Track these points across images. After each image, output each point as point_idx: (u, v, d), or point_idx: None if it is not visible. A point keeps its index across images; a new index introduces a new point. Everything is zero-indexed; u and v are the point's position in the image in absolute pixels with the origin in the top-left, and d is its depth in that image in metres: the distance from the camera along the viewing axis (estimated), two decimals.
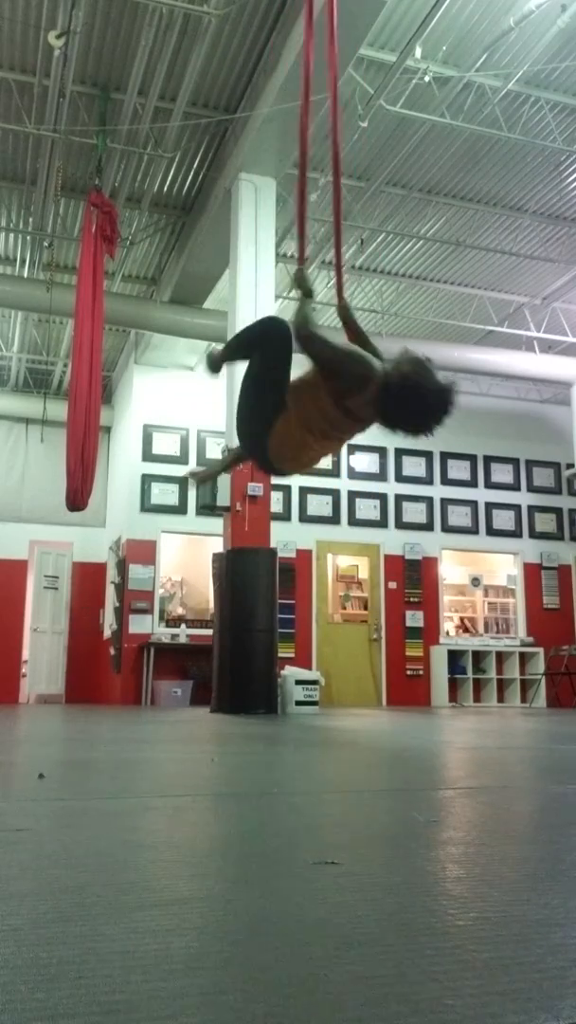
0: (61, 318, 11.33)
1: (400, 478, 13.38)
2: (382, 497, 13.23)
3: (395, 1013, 0.76)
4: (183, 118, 8.35)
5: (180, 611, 12.50)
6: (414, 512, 13.39)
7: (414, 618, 12.95)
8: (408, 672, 12.79)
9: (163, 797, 2.32)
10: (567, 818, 1.98)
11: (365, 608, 13.09)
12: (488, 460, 13.97)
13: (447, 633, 13.35)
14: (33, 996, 0.79)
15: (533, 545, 13.96)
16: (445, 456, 13.72)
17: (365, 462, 13.09)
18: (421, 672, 12.84)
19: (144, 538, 12.14)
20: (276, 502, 10.25)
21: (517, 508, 14.00)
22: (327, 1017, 0.75)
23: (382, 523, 13.09)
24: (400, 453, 13.33)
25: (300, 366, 3.19)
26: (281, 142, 8.22)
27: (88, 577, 14.02)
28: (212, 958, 0.91)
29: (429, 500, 13.52)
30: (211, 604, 9.69)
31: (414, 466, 13.51)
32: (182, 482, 12.16)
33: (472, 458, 13.89)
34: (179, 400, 12.56)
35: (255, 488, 8.32)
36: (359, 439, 3.50)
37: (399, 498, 13.34)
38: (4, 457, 13.92)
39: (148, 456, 12.39)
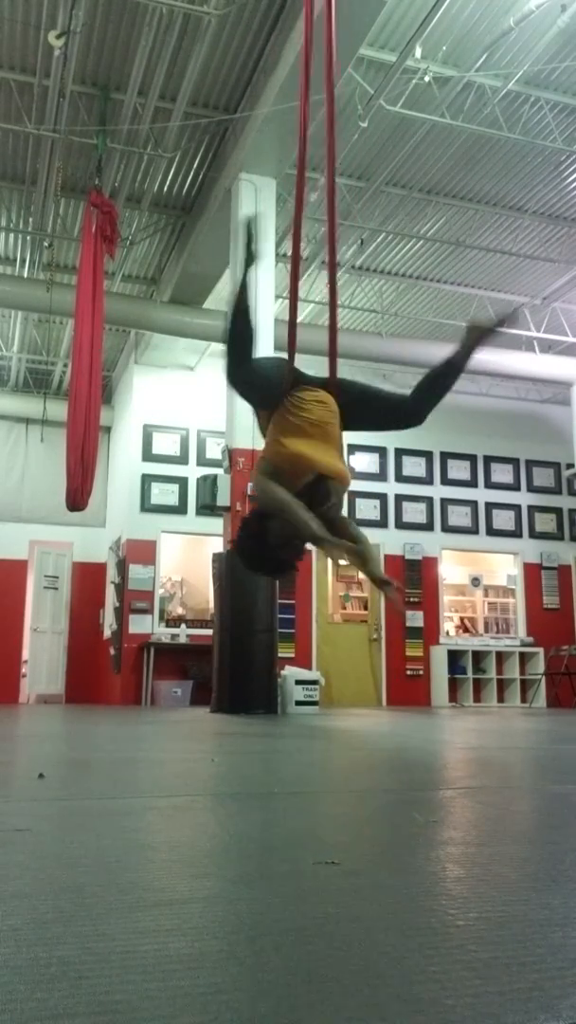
0: (61, 318, 11.32)
1: (400, 478, 13.38)
2: (382, 497, 13.22)
3: (395, 1013, 0.76)
4: (183, 118, 8.35)
5: (180, 611, 12.50)
6: (414, 512, 13.39)
7: (414, 618, 12.94)
8: (408, 672, 12.78)
9: (163, 797, 2.32)
10: (567, 818, 1.98)
11: (365, 608, 13.09)
12: (488, 460, 13.97)
13: (447, 633, 13.35)
14: (33, 996, 0.79)
15: (533, 545, 13.95)
16: (445, 456, 13.72)
17: (365, 462, 13.07)
18: (421, 672, 12.83)
19: (144, 538, 12.14)
20: None
21: (517, 508, 13.99)
22: (327, 1017, 0.75)
23: (382, 523, 13.08)
24: (400, 453, 13.33)
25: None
26: (281, 142, 8.22)
27: (88, 577, 14.02)
28: (212, 958, 0.91)
29: (429, 500, 13.51)
30: (211, 604, 9.69)
31: (414, 466, 13.51)
32: (182, 482, 12.21)
33: (472, 458, 13.88)
34: (179, 400, 12.56)
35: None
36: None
37: (399, 498, 13.34)
38: (4, 457, 13.91)
39: (148, 456, 12.39)
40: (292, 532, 3.07)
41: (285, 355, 3.37)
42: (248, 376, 3.29)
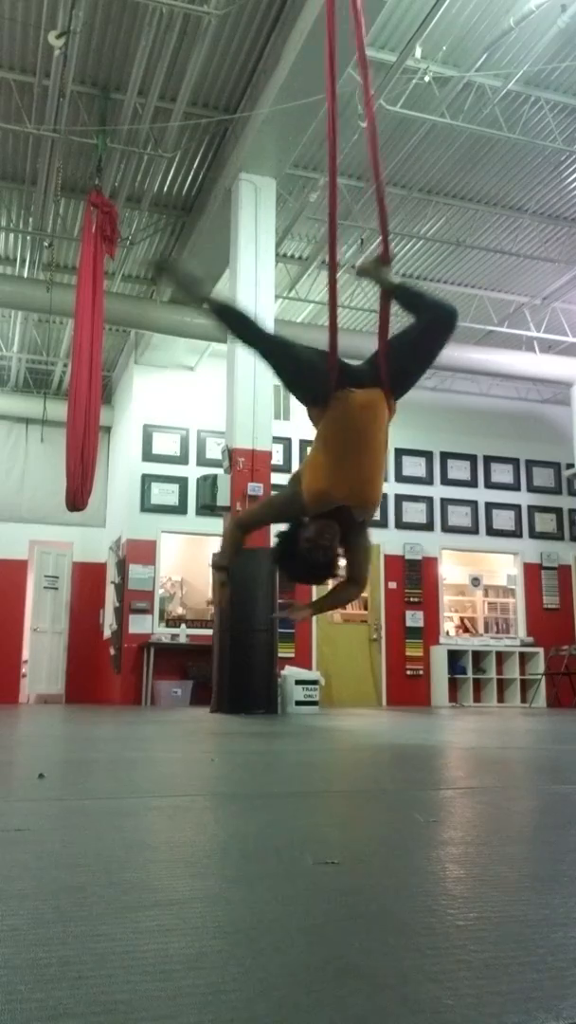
0: (61, 318, 11.32)
1: (400, 478, 13.38)
2: (382, 497, 13.21)
3: (395, 1013, 0.76)
4: (183, 118, 8.35)
5: (180, 611, 12.50)
6: (414, 512, 13.39)
7: (414, 618, 12.95)
8: (408, 672, 12.78)
9: (163, 797, 2.32)
10: (567, 818, 1.98)
11: (365, 608, 13.09)
12: (488, 460, 13.97)
13: (447, 633, 13.35)
14: (33, 996, 0.79)
15: (533, 545, 13.95)
16: (445, 456, 13.72)
17: None
18: (421, 672, 12.84)
19: (144, 538, 12.14)
20: None
21: (517, 508, 13.99)
22: (327, 1017, 0.75)
23: (382, 523, 13.07)
24: (400, 453, 13.33)
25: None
26: (281, 142, 8.22)
27: (88, 577, 14.01)
28: (212, 958, 0.91)
29: (429, 500, 13.52)
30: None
31: (414, 466, 13.50)
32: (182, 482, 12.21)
33: (472, 458, 13.88)
34: (179, 400, 12.56)
35: (255, 488, 8.32)
36: None
37: (399, 498, 13.34)
38: (4, 457, 13.91)
39: (148, 456, 12.39)
40: (314, 538, 3.04)
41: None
42: (282, 345, 3.26)
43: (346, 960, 0.90)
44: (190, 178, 9.69)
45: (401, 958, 0.91)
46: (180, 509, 12.27)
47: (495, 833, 1.80)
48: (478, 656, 13.00)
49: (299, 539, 3.06)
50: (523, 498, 14.07)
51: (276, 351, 3.26)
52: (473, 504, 13.76)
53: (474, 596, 14.08)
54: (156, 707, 10.72)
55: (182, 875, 1.31)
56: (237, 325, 3.31)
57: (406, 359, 3.18)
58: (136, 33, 7.49)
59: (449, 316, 3.19)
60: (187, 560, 12.70)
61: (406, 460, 13.41)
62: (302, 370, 3.20)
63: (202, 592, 12.36)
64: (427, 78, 7.78)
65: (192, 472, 12.01)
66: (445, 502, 13.60)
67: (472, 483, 13.84)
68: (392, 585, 12.93)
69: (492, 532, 13.80)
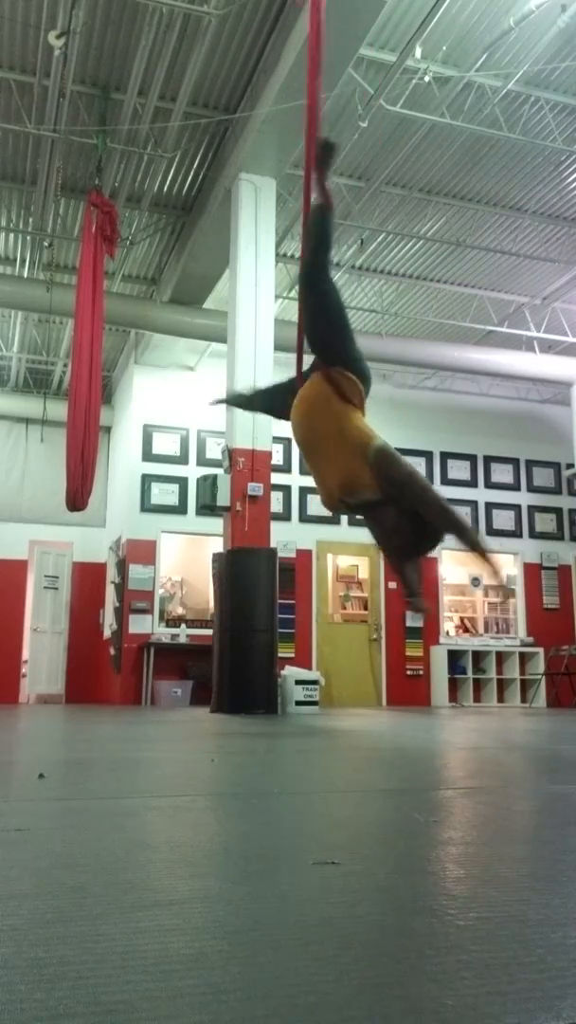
0: (61, 318, 11.32)
1: None
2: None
3: (395, 1013, 0.76)
4: (183, 118, 8.35)
5: (180, 611, 12.50)
6: None
7: (414, 618, 12.93)
8: (408, 672, 12.78)
9: (163, 797, 2.32)
10: (567, 818, 1.98)
11: (365, 608, 13.09)
12: (488, 460, 13.97)
13: (447, 633, 13.35)
14: (33, 996, 0.79)
15: (533, 545, 13.95)
16: (445, 456, 13.72)
17: None
18: (421, 672, 12.84)
19: (144, 538, 12.14)
20: (276, 502, 10.25)
21: (517, 508, 13.99)
22: (327, 1017, 0.75)
23: None
24: (400, 453, 13.32)
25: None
26: (281, 142, 8.22)
27: (88, 577, 14.02)
28: (212, 958, 0.91)
29: None
30: (211, 604, 9.69)
31: (414, 466, 13.49)
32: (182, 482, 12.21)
33: (472, 458, 13.88)
34: (179, 400, 12.56)
35: (255, 488, 8.32)
36: None
37: None
38: (4, 457, 13.91)
39: (148, 456, 12.39)
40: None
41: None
42: (264, 396, 3.70)
43: (346, 960, 0.90)
44: (190, 178, 9.69)
45: (401, 958, 0.91)
46: (180, 509, 12.27)
47: (495, 833, 1.80)
48: (478, 656, 13.00)
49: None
50: (523, 498, 14.07)
51: (267, 408, 3.77)
52: (473, 504, 13.75)
53: (474, 596, 14.08)
54: (156, 707, 10.72)
55: (182, 875, 1.31)
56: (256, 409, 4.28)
57: (309, 319, 3.15)
58: (136, 33, 7.49)
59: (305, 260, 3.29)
60: (187, 560, 12.70)
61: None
62: (280, 407, 3.43)
63: (202, 592, 12.35)
64: (427, 78, 7.78)
65: (192, 472, 12.01)
66: None
67: (472, 483, 13.83)
68: (392, 585, 12.92)
69: (492, 532, 13.78)
